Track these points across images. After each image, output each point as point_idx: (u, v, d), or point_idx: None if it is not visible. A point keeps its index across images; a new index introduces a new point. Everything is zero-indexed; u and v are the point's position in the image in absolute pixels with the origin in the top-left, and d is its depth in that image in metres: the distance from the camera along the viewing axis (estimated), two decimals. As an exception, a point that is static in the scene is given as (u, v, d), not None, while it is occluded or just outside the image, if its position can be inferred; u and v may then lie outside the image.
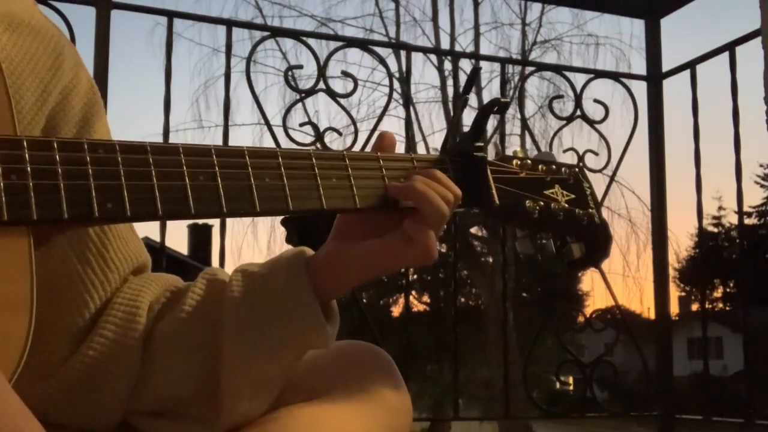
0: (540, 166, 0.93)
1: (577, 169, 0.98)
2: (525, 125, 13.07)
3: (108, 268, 0.82)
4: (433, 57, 15.97)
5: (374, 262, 0.80)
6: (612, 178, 2.58)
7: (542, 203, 0.90)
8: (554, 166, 0.95)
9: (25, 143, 0.62)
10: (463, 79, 14.19)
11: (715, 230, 28.67)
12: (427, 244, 0.78)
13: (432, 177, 0.82)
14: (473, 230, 15.45)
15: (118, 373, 0.78)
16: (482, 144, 0.88)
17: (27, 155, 0.62)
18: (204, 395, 0.79)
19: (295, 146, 2.10)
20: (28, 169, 0.61)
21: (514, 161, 0.91)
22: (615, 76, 2.61)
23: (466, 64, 14.31)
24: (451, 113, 13.93)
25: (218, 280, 0.83)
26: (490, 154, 0.90)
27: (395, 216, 0.81)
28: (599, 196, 2.54)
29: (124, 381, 0.79)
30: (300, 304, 0.78)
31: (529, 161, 0.93)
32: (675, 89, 2.85)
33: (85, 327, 0.79)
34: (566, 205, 0.93)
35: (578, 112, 2.44)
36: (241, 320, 0.78)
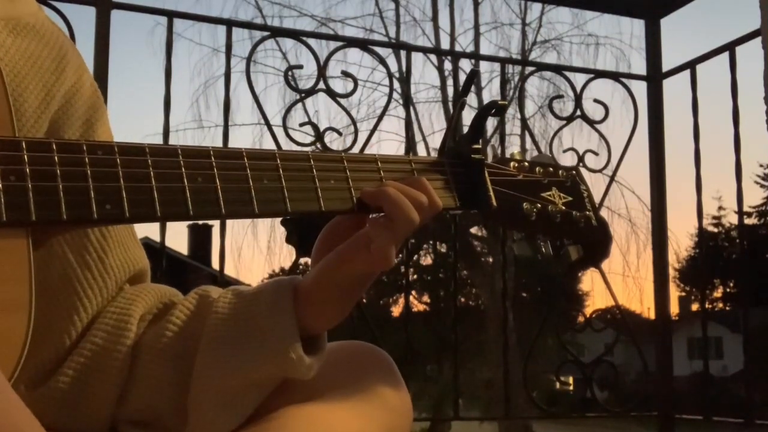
0: (537, 169, 0.93)
1: (574, 172, 0.97)
2: (525, 125, 13.05)
3: (107, 273, 0.81)
4: (433, 57, 15.98)
5: (335, 269, 0.77)
6: (612, 178, 2.58)
7: (539, 205, 0.90)
8: (551, 169, 0.95)
9: (24, 145, 0.62)
10: (463, 79, 14.17)
11: (715, 230, 28.70)
12: (385, 249, 0.76)
13: (410, 184, 0.80)
14: (473, 230, 15.46)
15: (106, 381, 0.78)
16: (480, 146, 0.88)
17: (26, 157, 0.62)
18: (178, 408, 0.78)
19: (295, 146, 2.10)
20: (27, 170, 0.61)
21: (512, 163, 0.91)
22: (615, 76, 2.61)
23: (466, 64, 14.33)
24: (451, 114, 13.92)
25: (209, 297, 0.82)
26: (488, 157, 0.90)
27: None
28: (599, 197, 2.54)
29: (112, 389, 0.78)
30: (278, 325, 0.76)
31: (526, 163, 0.93)
32: (675, 89, 2.86)
33: (76, 333, 0.79)
34: (563, 208, 0.93)
35: (578, 112, 2.44)
36: (219, 335, 0.78)
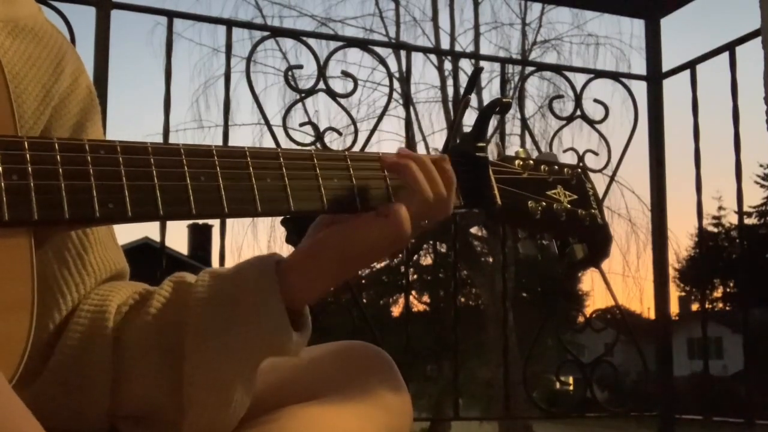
0: (542, 167, 0.93)
1: (579, 170, 0.97)
2: (525, 125, 13.04)
3: (85, 271, 0.81)
4: (433, 57, 15.94)
5: (342, 241, 0.77)
6: (612, 178, 2.58)
7: (545, 204, 0.90)
8: (556, 167, 0.94)
9: (26, 144, 0.62)
10: (463, 79, 14.21)
11: (715, 230, 28.66)
12: (399, 218, 0.76)
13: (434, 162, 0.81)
14: (473, 230, 15.45)
15: (90, 375, 0.77)
16: (484, 144, 0.88)
17: (28, 156, 0.62)
18: (173, 402, 0.77)
19: (295, 146, 2.10)
20: (30, 169, 0.61)
21: (516, 162, 0.91)
22: (615, 76, 2.61)
23: (466, 64, 14.35)
24: (452, 113, 13.92)
25: (185, 282, 0.81)
26: (492, 155, 0.89)
27: None
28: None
29: (97, 384, 0.77)
30: (264, 302, 0.75)
31: (531, 162, 0.92)
32: (675, 89, 2.86)
33: (54, 330, 0.78)
34: (569, 206, 0.92)
35: (578, 112, 2.44)
36: (205, 322, 0.76)
